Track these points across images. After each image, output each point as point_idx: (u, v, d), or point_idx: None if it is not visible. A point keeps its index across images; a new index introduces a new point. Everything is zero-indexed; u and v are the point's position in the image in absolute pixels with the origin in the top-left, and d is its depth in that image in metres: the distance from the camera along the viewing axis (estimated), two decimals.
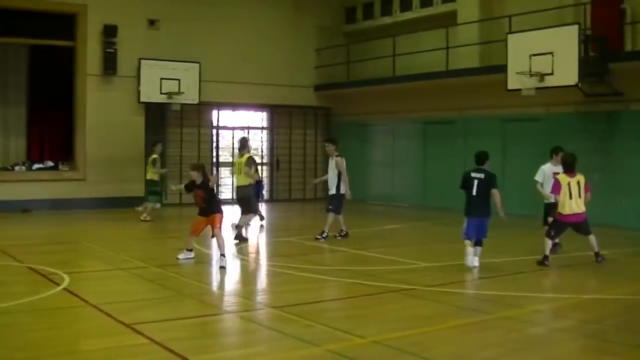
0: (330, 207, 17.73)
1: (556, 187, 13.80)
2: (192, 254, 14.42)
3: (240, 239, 17.07)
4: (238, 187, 18.18)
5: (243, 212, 17.65)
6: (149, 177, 22.19)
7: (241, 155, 18.09)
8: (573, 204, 13.72)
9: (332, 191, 17.80)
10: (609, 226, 19.93)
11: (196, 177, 14.22)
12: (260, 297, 11.56)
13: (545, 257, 13.86)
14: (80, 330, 9.11)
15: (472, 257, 13.61)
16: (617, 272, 13.72)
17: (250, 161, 17.80)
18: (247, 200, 17.82)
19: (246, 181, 17.67)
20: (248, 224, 17.87)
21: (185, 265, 13.89)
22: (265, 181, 29.24)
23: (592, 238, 14.13)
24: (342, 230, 17.88)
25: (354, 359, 7.76)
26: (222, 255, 13.81)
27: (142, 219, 21.17)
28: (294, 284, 12.40)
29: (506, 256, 15.04)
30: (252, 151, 19.98)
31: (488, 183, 13.96)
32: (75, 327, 9.26)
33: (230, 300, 11.19)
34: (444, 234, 19.49)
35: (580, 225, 14.01)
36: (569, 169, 14.12)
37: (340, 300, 11.09)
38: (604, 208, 20.54)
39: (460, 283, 12.30)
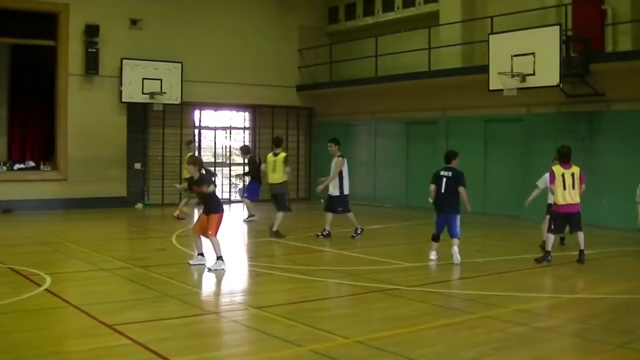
0: (339, 209, 18.10)
1: (551, 178, 13.99)
2: (204, 259, 13.82)
3: (278, 236, 17.72)
4: (272, 185, 18.57)
5: (278, 209, 18.20)
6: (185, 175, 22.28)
7: (276, 154, 18.54)
8: (567, 195, 13.88)
9: (335, 192, 18.12)
10: (592, 226, 20.01)
11: (192, 172, 13.88)
12: (244, 298, 11.54)
13: (547, 253, 14.15)
14: (63, 331, 9.06)
15: (435, 253, 14.62)
16: (601, 272, 13.78)
17: (287, 159, 18.55)
18: (281, 197, 18.30)
19: (281, 179, 18.27)
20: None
21: (168, 266, 13.86)
22: (247, 182, 29.26)
23: (580, 235, 14.24)
24: (325, 230, 17.94)
25: (338, 359, 7.76)
26: (219, 257, 13.51)
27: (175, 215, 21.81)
28: (277, 284, 12.41)
29: (489, 256, 15.08)
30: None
31: (456, 181, 14.88)
32: (58, 328, 9.22)
33: (213, 301, 11.18)
34: (427, 234, 19.39)
35: (574, 217, 14.08)
36: (565, 160, 14.41)
37: (323, 300, 11.08)
38: (587, 208, 20.57)
39: (443, 283, 12.32)
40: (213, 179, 14.14)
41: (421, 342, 8.54)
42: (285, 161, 18.38)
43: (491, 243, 17.51)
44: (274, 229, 17.88)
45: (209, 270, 13.35)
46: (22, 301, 10.49)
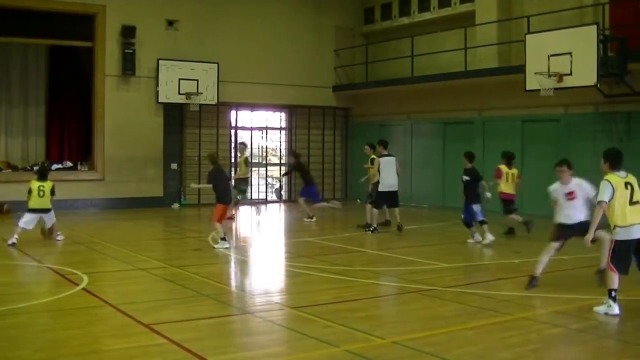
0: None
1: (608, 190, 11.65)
2: (227, 244, 15.92)
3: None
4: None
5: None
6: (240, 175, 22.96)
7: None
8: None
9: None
10: None
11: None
12: (280, 298, 11.55)
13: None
14: (99, 331, 9.13)
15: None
16: (637, 274, 13.63)
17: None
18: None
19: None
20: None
21: (204, 266, 13.93)
22: (283, 181, 29.33)
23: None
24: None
25: (373, 359, 7.75)
26: (222, 239, 15.85)
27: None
28: (313, 285, 12.41)
29: (526, 257, 14.97)
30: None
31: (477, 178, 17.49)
32: (94, 327, 9.29)
33: (249, 301, 11.18)
34: (463, 235, 19.41)
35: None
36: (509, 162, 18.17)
37: (359, 300, 11.07)
38: None
39: (479, 284, 12.26)
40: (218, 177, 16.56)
41: (457, 342, 8.51)
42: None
43: (528, 243, 17.38)
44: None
45: (214, 248, 15.73)
46: (60, 300, 10.59)
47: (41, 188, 16.52)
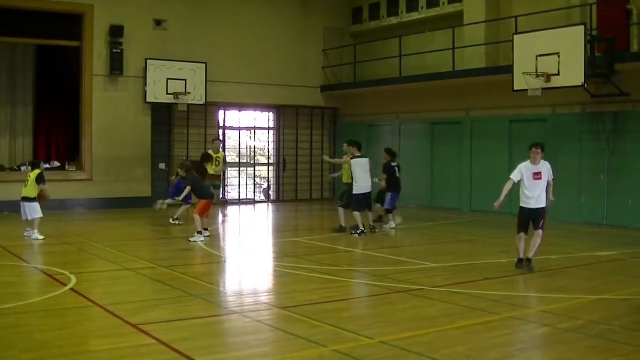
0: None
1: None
2: (202, 237, 17.04)
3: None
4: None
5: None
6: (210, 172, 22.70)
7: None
8: None
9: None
10: (616, 227, 19.96)
11: (181, 173, 17.92)
12: (268, 298, 11.55)
13: None
14: (87, 331, 9.11)
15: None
16: (625, 273, 13.72)
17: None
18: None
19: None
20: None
21: (193, 266, 13.96)
22: (271, 182, 29.36)
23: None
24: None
25: (362, 359, 7.76)
26: (198, 232, 17.03)
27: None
28: (302, 285, 12.41)
29: (514, 257, 15.01)
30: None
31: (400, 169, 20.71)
32: (82, 328, 9.27)
33: (237, 301, 11.18)
34: (451, 235, 19.48)
35: None
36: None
37: (348, 300, 11.09)
38: (611, 208, 20.56)
39: (467, 284, 12.28)
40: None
41: (445, 342, 8.53)
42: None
43: (515, 243, 17.42)
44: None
45: (189, 241, 16.77)
46: (48, 301, 10.56)
47: (27, 177, 17.21)
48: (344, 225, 18.82)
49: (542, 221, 13.54)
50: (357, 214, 18.56)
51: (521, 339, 8.72)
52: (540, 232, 13.49)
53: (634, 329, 9.16)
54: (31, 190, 17.09)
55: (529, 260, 13.52)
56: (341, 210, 19.19)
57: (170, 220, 20.63)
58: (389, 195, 20.48)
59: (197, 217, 17.15)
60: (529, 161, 13.72)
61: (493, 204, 13.79)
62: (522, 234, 13.60)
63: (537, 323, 9.44)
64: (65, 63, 26.47)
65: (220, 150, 23.25)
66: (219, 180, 23.14)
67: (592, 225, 20.43)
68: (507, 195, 13.77)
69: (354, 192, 18.72)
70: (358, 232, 18.34)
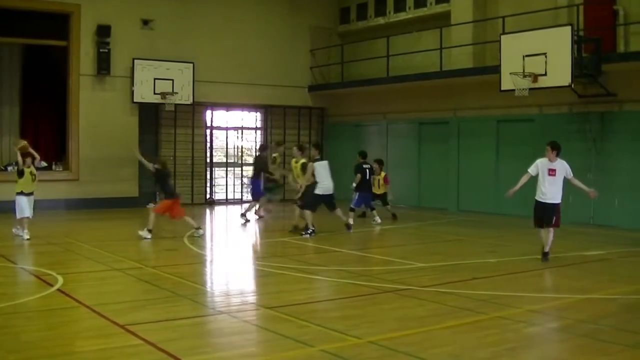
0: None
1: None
2: (149, 235, 17.41)
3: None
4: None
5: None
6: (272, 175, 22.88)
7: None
8: None
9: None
10: (604, 226, 20.01)
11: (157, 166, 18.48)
12: (255, 298, 11.53)
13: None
14: (74, 332, 9.07)
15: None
16: (613, 272, 13.75)
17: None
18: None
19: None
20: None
21: (180, 266, 13.90)
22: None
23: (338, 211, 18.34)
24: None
25: (349, 359, 7.75)
26: (149, 230, 17.44)
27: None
28: (289, 284, 12.40)
29: (501, 256, 15.05)
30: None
31: (372, 170, 21.84)
32: (69, 329, 9.23)
33: (224, 301, 11.16)
34: (439, 234, 19.50)
35: None
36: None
37: (335, 300, 11.07)
38: (598, 208, 20.61)
39: (455, 283, 12.29)
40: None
41: (433, 342, 8.52)
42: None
43: (504, 243, 17.47)
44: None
45: (139, 236, 17.33)
46: (34, 301, 10.52)
47: (32, 172, 17.65)
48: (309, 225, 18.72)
49: (554, 217, 14.29)
50: (309, 213, 18.43)
51: (509, 338, 8.71)
52: (551, 228, 14.36)
53: (621, 328, 9.18)
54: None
55: (545, 253, 14.42)
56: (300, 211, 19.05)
57: (241, 218, 21.52)
58: (356, 195, 21.30)
59: (153, 214, 17.61)
60: (545, 157, 14.53)
61: (506, 193, 15.25)
62: (539, 229, 14.63)
63: (525, 322, 9.45)
64: (52, 63, 26.40)
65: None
66: (276, 182, 23.09)
67: (579, 225, 20.47)
68: (521, 186, 14.73)
69: (315, 192, 18.62)
70: (309, 232, 18.23)
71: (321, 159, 19.44)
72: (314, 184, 18.66)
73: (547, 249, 14.39)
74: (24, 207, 17.25)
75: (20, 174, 17.42)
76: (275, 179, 22.60)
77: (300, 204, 18.96)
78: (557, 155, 14.44)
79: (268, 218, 22.34)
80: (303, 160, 19.50)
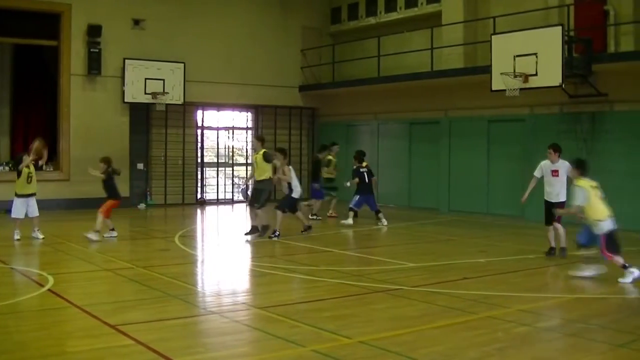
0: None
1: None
2: (96, 236, 17.11)
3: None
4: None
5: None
6: (325, 176, 22.92)
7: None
8: None
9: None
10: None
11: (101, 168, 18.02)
12: (246, 298, 11.53)
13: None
14: (65, 332, 9.06)
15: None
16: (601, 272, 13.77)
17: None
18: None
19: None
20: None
21: (171, 266, 13.88)
22: (250, 182, 29.30)
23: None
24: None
25: (341, 359, 7.76)
26: (96, 231, 17.10)
27: (328, 215, 22.69)
28: (280, 285, 12.41)
29: (492, 256, 15.08)
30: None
31: (371, 173, 21.81)
32: (60, 329, 9.21)
33: (216, 301, 11.16)
34: (429, 234, 19.52)
35: None
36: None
37: (326, 300, 11.07)
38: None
39: (446, 283, 12.31)
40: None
41: (424, 342, 8.53)
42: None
43: (494, 243, 17.50)
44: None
45: (86, 237, 17.02)
46: (25, 301, 10.51)
47: (31, 173, 17.63)
48: (271, 225, 18.19)
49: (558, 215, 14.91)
50: (281, 215, 18.27)
51: (499, 338, 8.73)
52: (558, 225, 15.10)
53: (611, 327, 9.20)
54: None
55: (562, 249, 15.07)
56: (278, 212, 18.47)
57: (310, 216, 21.71)
58: (357, 196, 21.38)
59: (101, 215, 17.42)
60: (548, 159, 15.26)
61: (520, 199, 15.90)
62: (548, 226, 15.25)
63: (515, 322, 9.46)
64: (42, 62, 26.37)
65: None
66: (333, 183, 23.19)
67: (570, 225, 20.48)
68: (531, 190, 15.50)
69: (293, 196, 18.55)
70: (276, 234, 17.94)
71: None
72: (291, 189, 18.56)
73: (563, 244, 15.03)
74: (18, 208, 17.19)
75: (18, 174, 17.49)
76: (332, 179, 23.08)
77: (277, 205, 18.82)
78: (559, 156, 15.13)
79: (244, 218, 22.28)
80: (264, 150, 19.01)
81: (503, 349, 8.28)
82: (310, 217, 21.57)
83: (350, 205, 21.21)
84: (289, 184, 18.48)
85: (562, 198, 15.00)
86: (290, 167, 18.80)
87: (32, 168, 17.60)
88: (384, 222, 21.02)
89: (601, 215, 12.55)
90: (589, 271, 12.68)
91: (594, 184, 12.90)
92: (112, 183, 18.16)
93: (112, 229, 17.81)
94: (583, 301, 11.07)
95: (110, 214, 17.93)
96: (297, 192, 18.53)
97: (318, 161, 22.86)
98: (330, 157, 23.18)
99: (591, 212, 12.59)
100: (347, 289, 11.80)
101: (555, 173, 15.04)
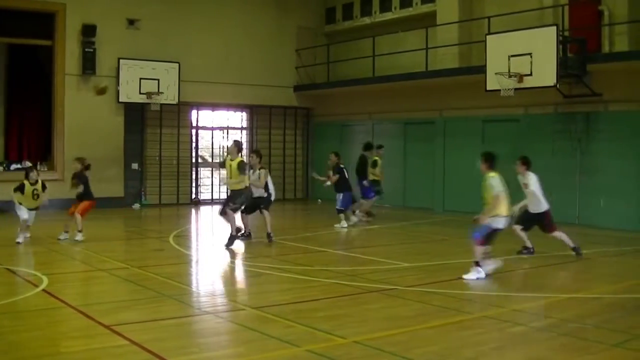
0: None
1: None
2: (80, 236, 17.01)
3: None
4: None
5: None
6: (371, 178, 22.28)
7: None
8: None
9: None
10: (588, 226, 20.07)
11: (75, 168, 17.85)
12: (241, 298, 11.53)
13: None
14: (60, 332, 9.04)
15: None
16: (597, 272, 13.81)
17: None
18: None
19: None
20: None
21: (165, 266, 13.88)
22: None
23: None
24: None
25: (335, 359, 7.76)
26: (79, 231, 17.02)
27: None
28: (275, 285, 12.42)
29: None
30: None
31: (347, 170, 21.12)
32: (54, 329, 9.20)
33: (210, 301, 11.14)
34: (424, 234, 19.52)
35: None
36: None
37: (321, 300, 11.07)
38: (583, 208, 20.68)
39: (441, 283, 12.31)
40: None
41: (419, 342, 8.54)
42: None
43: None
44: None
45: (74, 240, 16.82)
46: (19, 302, 10.50)
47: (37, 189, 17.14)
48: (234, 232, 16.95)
49: (548, 224, 15.15)
50: (247, 218, 17.82)
51: (494, 338, 8.74)
52: (555, 233, 15.12)
53: (605, 327, 9.21)
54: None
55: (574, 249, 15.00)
56: (242, 215, 17.66)
57: (356, 217, 21.55)
58: (340, 196, 20.86)
59: (78, 216, 17.19)
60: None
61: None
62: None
63: (510, 322, 9.47)
64: (37, 62, 26.32)
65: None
66: (379, 186, 22.72)
67: (564, 225, 20.49)
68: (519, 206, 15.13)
69: (271, 199, 17.99)
70: (245, 234, 17.67)
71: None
72: (269, 192, 17.86)
73: (571, 245, 14.99)
74: (23, 211, 16.96)
75: (21, 188, 16.96)
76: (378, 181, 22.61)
77: (235, 208, 17.05)
78: (527, 169, 15.13)
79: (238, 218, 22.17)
80: (241, 159, 18.46)
81: (498, 348, 8.30)
82: (361, 217, 21.63)
83: (338, 207, 20.84)
84: (267, 187, 17.70)
85: (543, 209, 15.10)
86: (266, 170, 18.01)
87: (39, 185, 17.18)
88: (345, 224, 20.42)
89: (504, 211, 12.52)
90: (485, 268, 12.54)
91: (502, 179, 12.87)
92: (87, 185, 17.88)
93: (81, 230, 17.18)
94: (578, 301, 11.08)
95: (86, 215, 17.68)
96: (273, 194, 18.17)
97: (365, 159, 22.46)
98: (376, 158, 22.64)
99: (498, 204, 12.46)
100: (341, 289, 11.80)
101: (525, 186, 15.06)
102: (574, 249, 14.92)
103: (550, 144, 21.40)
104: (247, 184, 16.92)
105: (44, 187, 17.25)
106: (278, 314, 9.74)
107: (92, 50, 25.02)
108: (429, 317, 9.81)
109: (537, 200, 14.94)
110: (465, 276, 12.33)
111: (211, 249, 17.13)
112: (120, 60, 25.54)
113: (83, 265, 13.86)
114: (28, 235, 17.18)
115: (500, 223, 12.46)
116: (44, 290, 11.26)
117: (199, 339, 8.85)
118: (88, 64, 24.97)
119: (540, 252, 15.09)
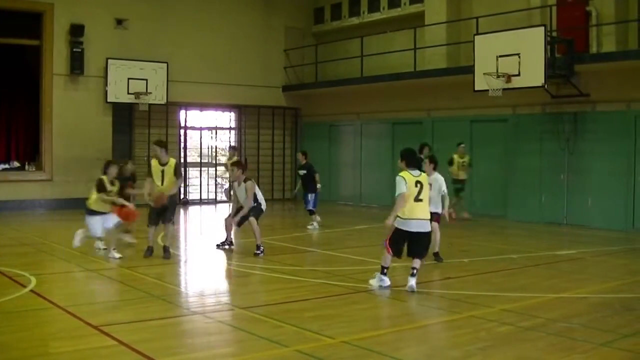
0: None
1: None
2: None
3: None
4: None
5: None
6: (456, 176, 22.23)
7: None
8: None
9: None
10: (576, 226, 20.13)
11: None
12: (230, 298, 11.52)
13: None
14: (48, 333, 9.02)
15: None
16: (585, 271, 13.84)
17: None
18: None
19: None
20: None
21: (154, 267, 13.85)
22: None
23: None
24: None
25: (324, 359, 7.77)
26: None
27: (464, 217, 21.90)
28: (264, 285, 12.43)
29: (475, 256, 15.12)
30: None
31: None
32: (43, 330, 9.18)
33: (199, 301, 11.14)
34: None
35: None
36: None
37: (309, 300, 11.07)
38: (571, 208, 20.74)
39: (429, 283, 12.33)
40: None
41: (407, 342, 8.56)
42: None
43: (477, 243, 17.55)
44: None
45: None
46: (7, 302, 10.45)
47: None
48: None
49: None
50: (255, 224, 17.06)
51: (482, 337, 8.75)
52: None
53: (592, 326, 9.25)
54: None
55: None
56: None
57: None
58: (311, 197, 20.61)
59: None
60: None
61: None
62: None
63: (497, 322, 9.49)
64: (25, 62, 26.24)
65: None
66: (459, 184, 22.38)
67: (552, 225, 20.61)
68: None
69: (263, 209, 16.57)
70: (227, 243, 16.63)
71: None
72: (259, 203, 16.40)
73: (436, 249, 14.40)
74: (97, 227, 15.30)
75: (101, 187, 15.53)
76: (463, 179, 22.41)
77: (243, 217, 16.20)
78: (434, 168, 14.69)
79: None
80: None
81: (486, 348, 8.31)
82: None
83: (309, 208, 20.64)
84: (255, 197, 16.26)
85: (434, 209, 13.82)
86: (252, 181, 16.51)
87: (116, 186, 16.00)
88: (316, 225, 20.38)
89: (406, 214, 11.60)
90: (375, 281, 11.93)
91: (421, 178, 12.12)
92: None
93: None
94: (565, 300, 11.11)
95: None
96: (264, 205, 16.77)
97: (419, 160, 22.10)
98: (455, 155, 22.39)
99: (398, 206, 11.74)
100: (330, 289, 11.80)
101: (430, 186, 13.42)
102: (435, 253, 14.41)
103: (538, 144, 21.46)
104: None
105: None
106: (267, 314, 9.74)
107: (80, 50, 24.96)
108: (418, 317, 9.85)
109: (436, 202, 14.19)
110: (371, 280, 11.88)
111: (200, 249, 17.11)
112: (109, 60, 25.49)
113: (71, 266, 13.81)
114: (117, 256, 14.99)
115: (404, 225, 11.55)
116: (31, 290, 11.23)
117: (188, 339, 8.85)
118: (76, 64, 24.91)
119: (528, 251, 15.13)
